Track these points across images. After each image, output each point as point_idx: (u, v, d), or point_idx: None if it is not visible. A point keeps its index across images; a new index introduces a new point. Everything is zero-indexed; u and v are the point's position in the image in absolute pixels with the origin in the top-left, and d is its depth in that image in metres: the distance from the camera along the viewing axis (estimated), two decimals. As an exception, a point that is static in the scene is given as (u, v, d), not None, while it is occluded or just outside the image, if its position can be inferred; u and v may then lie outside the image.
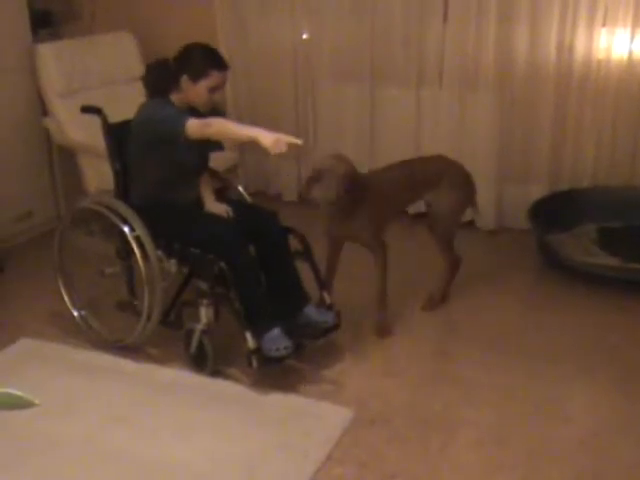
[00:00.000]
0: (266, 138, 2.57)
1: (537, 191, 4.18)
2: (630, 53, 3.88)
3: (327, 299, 3.09)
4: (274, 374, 2.91)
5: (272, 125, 3.04)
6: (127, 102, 3.14)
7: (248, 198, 3.40)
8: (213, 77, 2.86)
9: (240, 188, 3.42)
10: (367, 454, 2.51)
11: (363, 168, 3.37)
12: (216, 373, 2.96)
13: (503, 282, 3.74)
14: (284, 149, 2.57)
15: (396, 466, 2.46)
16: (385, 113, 4.45)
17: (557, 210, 3.95)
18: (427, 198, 3.32)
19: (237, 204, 3.18)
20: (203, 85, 2.86)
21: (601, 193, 4.05)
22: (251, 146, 3.22)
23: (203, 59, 2.86)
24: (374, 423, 2.67)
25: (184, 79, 2.86)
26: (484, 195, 4.01)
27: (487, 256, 4.09)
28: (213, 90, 2.89)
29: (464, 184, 3.37)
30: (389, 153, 4.18)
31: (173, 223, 2.98)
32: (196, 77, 2.85)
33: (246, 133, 2.68)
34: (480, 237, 4.30)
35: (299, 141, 2.65)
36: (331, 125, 4.64)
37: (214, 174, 3.32)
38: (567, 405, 2.77)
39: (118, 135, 3.03)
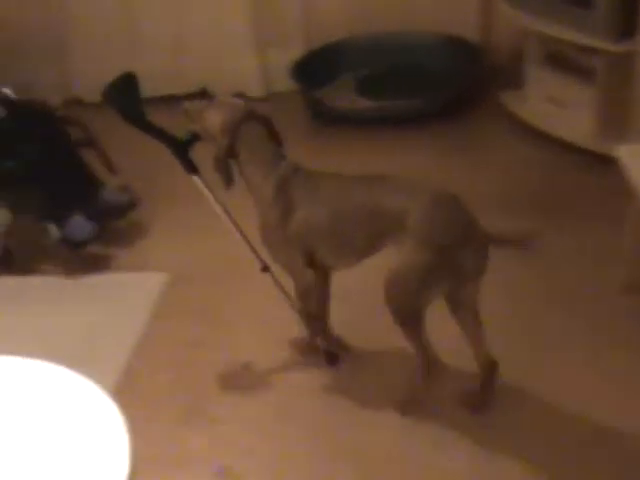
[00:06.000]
0: None
1: (296, 53, 4.37)
2: None
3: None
4: (85, 261, 3.01)
5: None
6: None
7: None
8: None
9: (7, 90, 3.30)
10: (189, 308, 2.75)
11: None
12: (28, 272, 3.00)
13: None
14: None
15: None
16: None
17: (317, 66, 4.24)
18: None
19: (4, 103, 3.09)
20: None
21: (352, 45, 4.38)
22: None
23: None
24: (192, 282, 2.90)
25: None
26: (248, 63, 4.24)
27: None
28: None
29: (440, 236, 2.04)
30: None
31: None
32: None
33: None
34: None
35: None
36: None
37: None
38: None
39: None
